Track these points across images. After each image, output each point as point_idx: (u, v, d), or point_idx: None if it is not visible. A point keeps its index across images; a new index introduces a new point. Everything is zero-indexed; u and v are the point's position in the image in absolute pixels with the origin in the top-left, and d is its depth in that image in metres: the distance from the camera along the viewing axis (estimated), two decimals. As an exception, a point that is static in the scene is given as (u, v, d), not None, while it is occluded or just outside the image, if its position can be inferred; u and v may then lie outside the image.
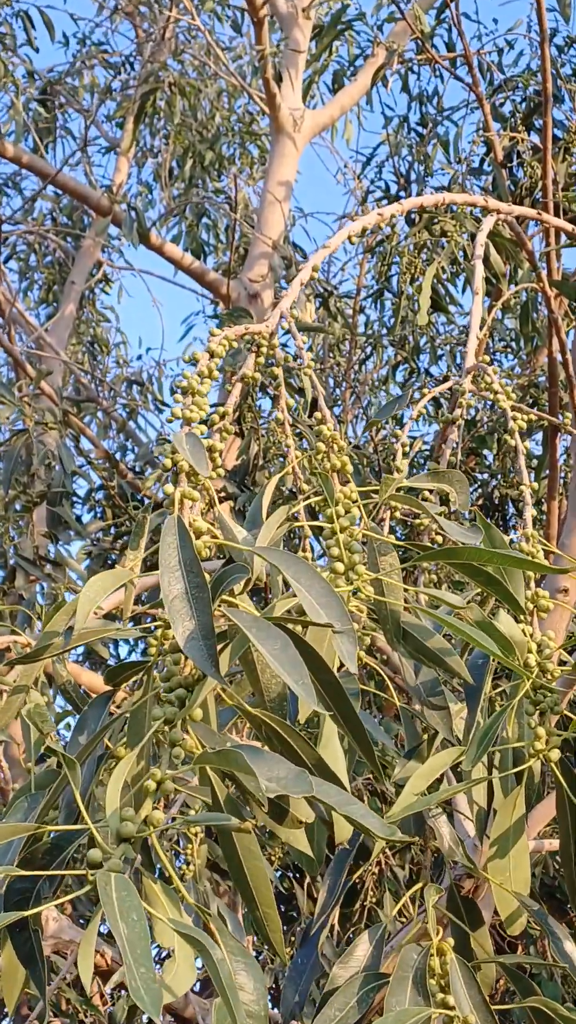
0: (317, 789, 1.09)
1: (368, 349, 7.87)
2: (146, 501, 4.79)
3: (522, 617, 1.44)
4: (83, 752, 1.21)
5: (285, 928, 4.13)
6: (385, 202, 6.15)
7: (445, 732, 1.46)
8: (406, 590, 1.39)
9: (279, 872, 4.26)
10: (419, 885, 1.51)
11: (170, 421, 1.37)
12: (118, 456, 5.64)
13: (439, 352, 7.44)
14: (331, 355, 7.91)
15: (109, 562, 4.97)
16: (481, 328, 2.24)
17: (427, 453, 6.67)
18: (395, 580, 1.36)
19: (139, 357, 6.85)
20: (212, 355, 1.44)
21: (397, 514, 1.64)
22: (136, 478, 5.02)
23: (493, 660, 1.43)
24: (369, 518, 1.48)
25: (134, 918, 0.95)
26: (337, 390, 7.61)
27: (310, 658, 1.21)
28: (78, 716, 1.31)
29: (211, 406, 1.47)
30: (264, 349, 1.56)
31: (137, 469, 5.55)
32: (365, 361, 7.86)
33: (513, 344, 7.54)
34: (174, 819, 1.11)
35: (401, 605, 1.36)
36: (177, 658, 1.23)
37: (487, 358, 1.84)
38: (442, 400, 7.74)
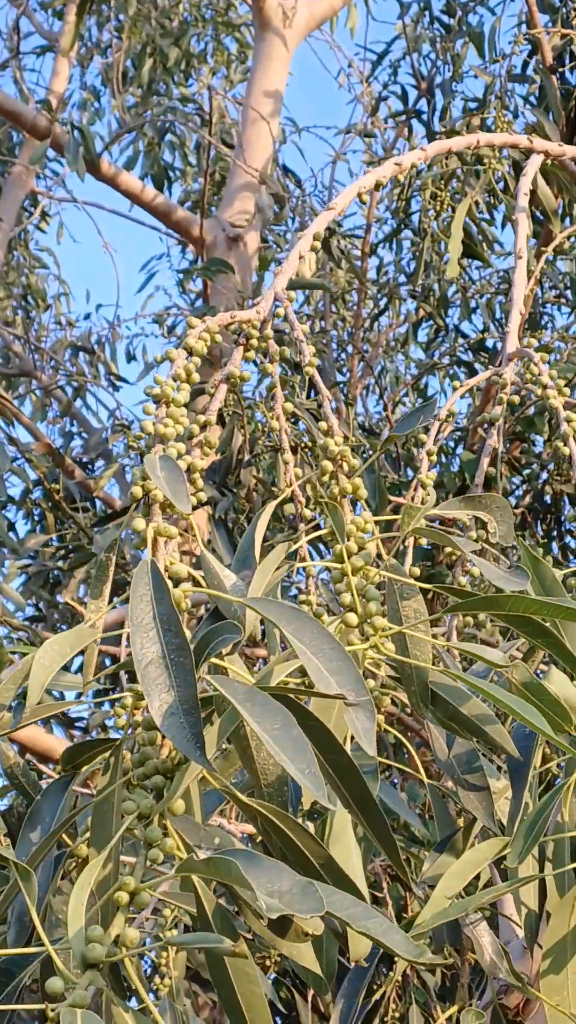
0: (327, 900, 1.15)
1: (382, 301, 7.94)
2: (99, 507, 4.86)
3: (580, 675, 1.50)
4: (37, 854, 1.27)
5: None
6: (403, 117, 6.20)
7: (485, 819, 1.52)
8: (435, 645, 1.45)
9: (273, 977, 4.33)
10: (455, 1008, 1.58)
11: (139, 439, 1.43)
12: (61, 445, 5.70)
13: (472, 304, 7.52)
14: (334, 309, 7.97)
15: (50, 580, 5.04)
16: (528, 279, 2.31)
17: (460, 436, 6.74)
18: (421, 633, 1.42)
19: (87, 316, 6.84)
20: (190, 353, 1.51)
21: (423, 541, 1.70)
22: (87, 476, 5.09)
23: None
24: (388, 552, 1.54)
25: (107, 1065, 1.01)
26: (343, 354, 7.68)
27: (316, 733, 1.27)
28: (29, 807, 1.37)
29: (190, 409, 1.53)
30: (255, 342, 1.62)
31: (86, 462, 5.61)
32: (378, 317, 7.92)
33: (568, 293, 7.61)
34: (152, 939, 1.17)
35: (428, 666, 1.42)
36: (152, 736, 1.29)
37: (533, 341, 1.91)
38: (477, 367, 7.84)
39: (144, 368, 4.56)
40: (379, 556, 1.56)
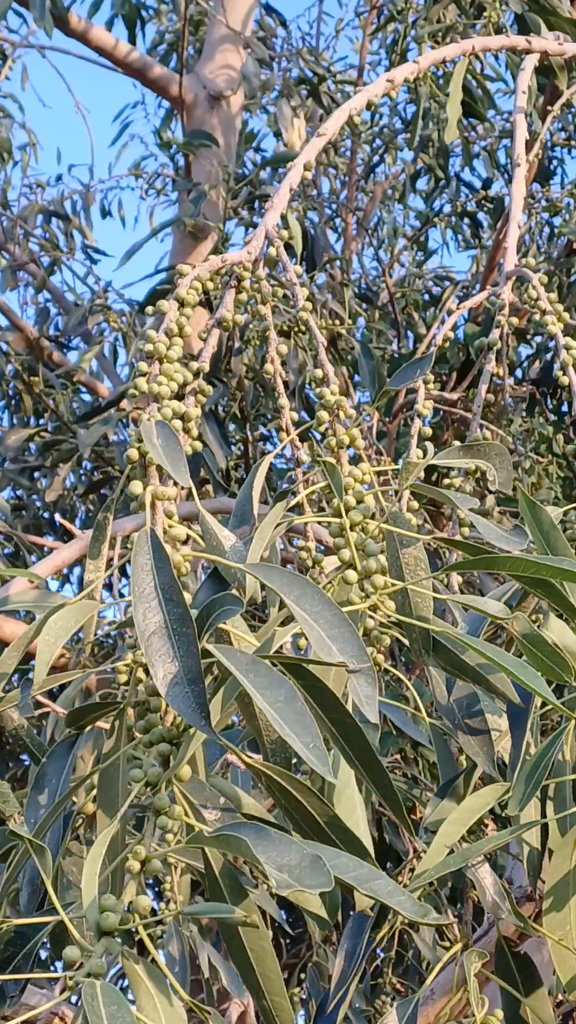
0: (333, 863, 1.29)
1: (379, 149, 7.92)
2: (82, 394, 4.94)
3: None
4: (46, 821, 1.41)
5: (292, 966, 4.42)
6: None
7: (486, 764, 1.65)
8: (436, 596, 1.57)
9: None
10: (457, 946, 1.73)
11: (132, 396, 1.53)
12: (36, 322, 5.77)
13: (474, 150, 7.53)
14: (324, 157, 7.95)
15: (33, 478, 5.15)
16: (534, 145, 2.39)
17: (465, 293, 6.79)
18: (422, 588, 1.54)
19: (59, 178, 6.83)
20: (182, 304, 1.60)
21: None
22: (64, 359, 5.17)
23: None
24: (387, 497, 1.65)
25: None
26: (336, 203, 7.67)
27: (318, 694, 1.40)
28: (36, 767, 1.50)
29: (187, 358, 1.63)
30: (247, 284, 1.71)
31: (65, 341, 5.70)
32: (374, 169, 7.93)
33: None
34: (163, 909, 1.31)
35: (428, 626, 1.54)
36: (157, 703, 1.41)
37: (532, 261, 1.99)
38: (481, 219, 7.86)
39: (125, 254, 4.60)
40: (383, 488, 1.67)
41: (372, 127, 7.94)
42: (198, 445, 1.63)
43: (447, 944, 3.50)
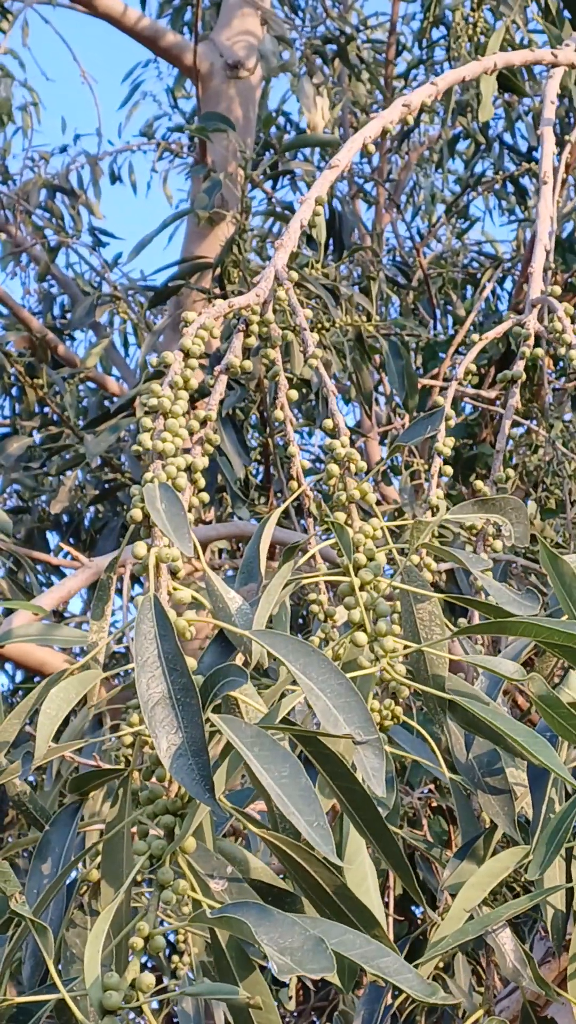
0: (339, 940, 1.40)
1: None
2: (89, 387, 5.03)
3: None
4: (49, 893, 1.53)
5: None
6: None
7: (506, 826, 1.77)
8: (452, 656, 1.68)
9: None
10: (479, 1012, 1.85)
11: (135, 453, 1.65)
12: (40, 312, 5.88)
13: (515, 117, 7.61)
14: (354, 120, 8.04)
15: (37, 479, 5.26)
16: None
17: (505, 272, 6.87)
18: (435, 650, 1.65)
19: (63, 149, 6.94)
20: (187, 355, 1.72)
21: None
22: (70, 351, 5.28)
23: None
24: (401, 553, 1.77)
25: None
26: (368, 181, 7.76)
27: (326, 761, 1.51)
28: (40, 836, 1.62)
29: (190, 401, 1.74)
30: (255, 327, 1.83)
31: (69, 331, 5.81)
32: (409, 133, 8.01)
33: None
34: (166, 987, 1.43)
35: (444, 681, 1.65)
36: (161, 773, 1.53)
37: (557, 289, 2.10)
38: (524, 184, 7.94)
39: (135, 247, 4.69)
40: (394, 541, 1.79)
41: (407, 85, 8.03)
42: (204, 497, 1.74)
43: (482, 991, 3.62)
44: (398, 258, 7.92)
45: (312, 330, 4.27)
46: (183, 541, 1.53)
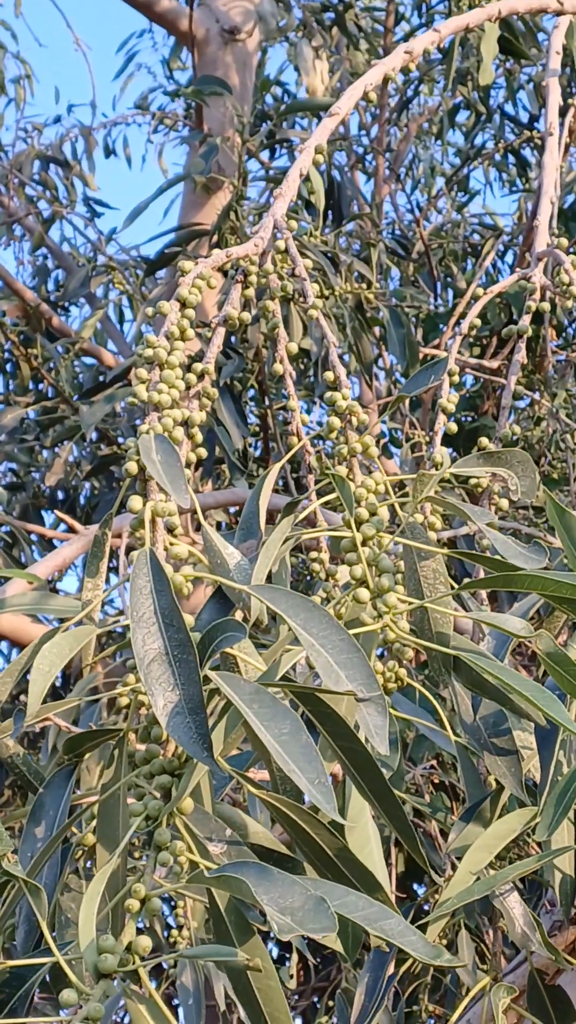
0: (341, 902, 1.38)
1: (413, 80, 7.96)
2: (85, 363, 5.01)
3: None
4: (43, 856, 1.50)
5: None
6: None
7: (513, 787, 1.74)
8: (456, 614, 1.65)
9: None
10: (486, 980, 1.82)
11: (131, 405, 1.62)
12: (34, 284, 5.85)
13: (517, 87, 7.57)
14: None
15: (32, 453, 5.24)
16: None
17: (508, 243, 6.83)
18: (440, 606, 1.62)
19: (57, 120, 6.90)
20: (184, 305, 1.68)
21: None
22: (65, 324, 5.25)
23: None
24: (405, 510, 1.74)
25: None
26: (368, 153, 7.73)
27: (328, 721, 1.48)
28: (33, 798, 1.60)
29: (188, 361, 1.71)
30: (253, 278, 1.79)
31: (65, 304, 5.78)
32: (408, 103, 7.97)
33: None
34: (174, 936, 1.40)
35: (449, 640, 1.63)
36: (157, 732, 1.50)
37: (564, 241, 2.07)
38: (527, 156, 7.89)
39: (130, 214, 4.65)
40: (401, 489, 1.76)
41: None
42: (202, 452, 1.71)
43: (487, 968, 3.60)
44: (397, 231, 7.88)
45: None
46: (179, 492, 1.50)
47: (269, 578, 1.59)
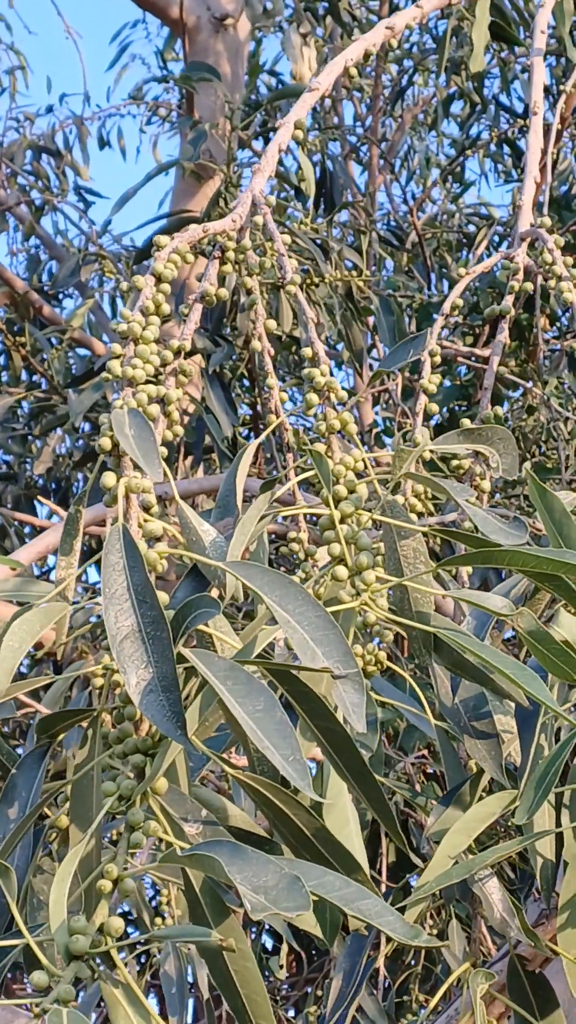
0: (318, 882, 1.36)
1: (408, 70, 7.94)
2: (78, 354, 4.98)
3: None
4: (14, 837, 1.48)
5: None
6: None
7: (493, 770, 1.72)
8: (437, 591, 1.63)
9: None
10: (464, 966, 1.80)
11: (106, 380, 1.60)
12: (26, 274, 5.83)
13: (511, 76, 7.55)
14: (347, 80, 7.97)
15: (25, 443, 5.22)
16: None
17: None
18: (421, 581, 1.60)
19: (49, 109, 6.88)
20: (159, 280, 1.66)
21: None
22: (55, 314, 5.22)
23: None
24: (385, 486, 1.72)
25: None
26: (362, 144, 7.71)
27: (305, 700, 1.46)
28: (6, 778, 1.58)
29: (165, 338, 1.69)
30: (231, 254, 1.77)
31: (56, 294, 5.75)
32: (402, 93, 7.95)
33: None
34: (140, 934, 1.38)
35: (429, 619, 1.61)
36: (131, 711, 1.48)
37: (547, 220, 2.05)
38: (522, 147, 7.86)
39: (120, 199, 4.63)
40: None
41: (401, 44, 7.95)
42: (179, 430, 1.69)
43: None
44: (392, 222, 7.86)
45: (300, 287, 4.22)
46: (152, 467, 1.47)
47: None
